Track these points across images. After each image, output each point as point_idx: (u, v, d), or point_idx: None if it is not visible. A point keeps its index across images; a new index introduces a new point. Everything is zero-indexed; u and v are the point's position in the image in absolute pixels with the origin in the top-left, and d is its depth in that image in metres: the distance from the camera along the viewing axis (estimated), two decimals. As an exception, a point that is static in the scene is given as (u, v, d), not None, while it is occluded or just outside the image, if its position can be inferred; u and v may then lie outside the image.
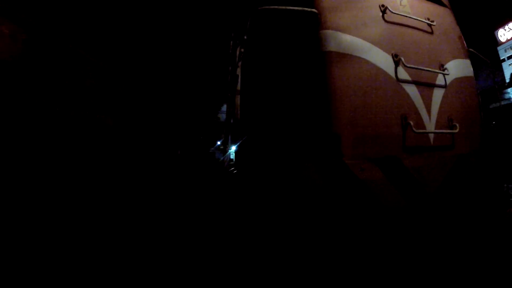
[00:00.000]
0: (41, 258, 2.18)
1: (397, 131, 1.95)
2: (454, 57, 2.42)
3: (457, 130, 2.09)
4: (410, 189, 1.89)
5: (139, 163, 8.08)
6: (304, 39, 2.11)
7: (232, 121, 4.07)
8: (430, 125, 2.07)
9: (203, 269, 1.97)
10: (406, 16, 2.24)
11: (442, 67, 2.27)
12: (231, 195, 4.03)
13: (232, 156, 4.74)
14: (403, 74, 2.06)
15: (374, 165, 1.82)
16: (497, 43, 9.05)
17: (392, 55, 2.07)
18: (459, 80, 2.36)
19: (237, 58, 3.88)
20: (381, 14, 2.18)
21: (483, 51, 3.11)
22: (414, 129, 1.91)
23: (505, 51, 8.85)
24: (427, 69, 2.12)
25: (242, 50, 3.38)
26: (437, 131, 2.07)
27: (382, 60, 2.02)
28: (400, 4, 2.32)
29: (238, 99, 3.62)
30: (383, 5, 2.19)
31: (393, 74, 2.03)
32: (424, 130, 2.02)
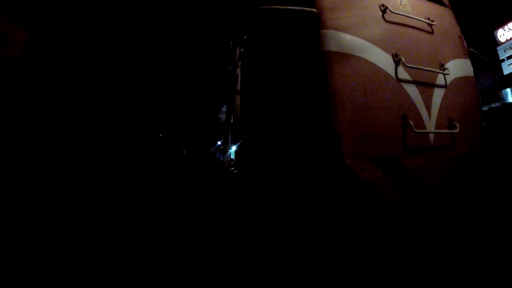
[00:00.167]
0: (41, 258, 2.18)
1: (397, 131, 1.95)
2: (454, 57, 2.42)
3: (457, 130, 2.09)
4: (410, 189, 1.88)
5: (142, 163, 8.07)
6: (304, 39, 2.10)
7: (232, 121, 4.07)
8: (430, 125, 2.07)
9: (203, 269, 1.97)
10: (406, 16, 2.24)
11: (442, 67, 2.27)
12: (231, 195, 4.03)
13: (232, 156, 4.74)
14: (403, 74, 2.06)
15: (374, 165, 1.81)
16: (496, 43, 9.05)
17: (392, 54, 2.06)
18: (459, 80, 2.36)
19: (237, 58, 3.88)
20: (381, 13, 2.18)
21: (483, 51, 3.11)
22: (414, 129, 1.91)
23: (505, 51, 8.85)
24: (427, 69, 2.12)
25: (242, 50, 3.38)
26: (437, 131, 2.07)
27: (382, 59, 2.02)
28: (400, 4, 2.32)
29: (238, 99, 3.61)
30: (383, 5, 2.19)
31: (393, 74, 2.03)
32: (424, 130, 2.02)
